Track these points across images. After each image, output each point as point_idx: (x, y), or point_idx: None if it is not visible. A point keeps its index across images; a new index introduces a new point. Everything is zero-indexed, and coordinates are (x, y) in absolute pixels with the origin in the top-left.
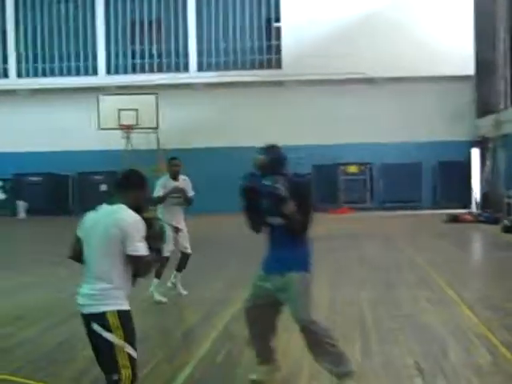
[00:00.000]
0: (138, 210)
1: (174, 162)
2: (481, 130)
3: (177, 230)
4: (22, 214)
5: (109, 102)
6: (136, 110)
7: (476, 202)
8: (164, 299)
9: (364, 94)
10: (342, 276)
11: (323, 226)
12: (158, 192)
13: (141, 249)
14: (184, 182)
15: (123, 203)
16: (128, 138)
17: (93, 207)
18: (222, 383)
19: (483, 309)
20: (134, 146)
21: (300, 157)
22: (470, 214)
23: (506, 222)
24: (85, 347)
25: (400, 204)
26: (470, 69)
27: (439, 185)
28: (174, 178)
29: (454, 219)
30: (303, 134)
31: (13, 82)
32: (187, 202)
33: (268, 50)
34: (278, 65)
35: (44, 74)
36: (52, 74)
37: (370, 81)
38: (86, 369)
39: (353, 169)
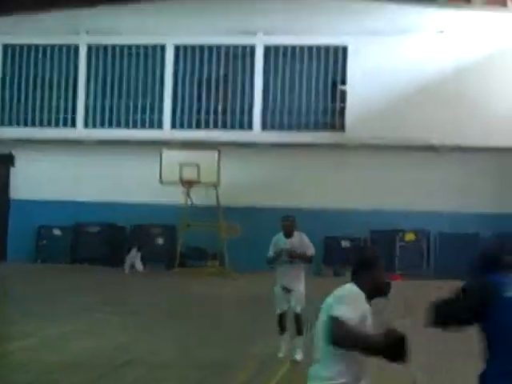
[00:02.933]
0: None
1: (285, 220)
2: None
3: (287, 290)
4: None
5: (172, 157)
6: (197, 165)
7: None
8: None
9: (425, 162)
10: None
11: None
12: (270, 252)
13: (343, 311)
14: (299, 239)
15: (356, 283)
16: (188, 193)
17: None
18: None
19: None
20: (194, 201)
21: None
22: None
23: None
24: None
25: (455, 274)
26: None
27: None
28: (288, 235)
29: None
30: (363, 198)
31: (80, 132)
32: (304, 260)
33: (332, 112)
34: (342, 127)
35: (110, 125)
36: (118, 125)
37: (432, 148)
38: None
39: (410, 236)
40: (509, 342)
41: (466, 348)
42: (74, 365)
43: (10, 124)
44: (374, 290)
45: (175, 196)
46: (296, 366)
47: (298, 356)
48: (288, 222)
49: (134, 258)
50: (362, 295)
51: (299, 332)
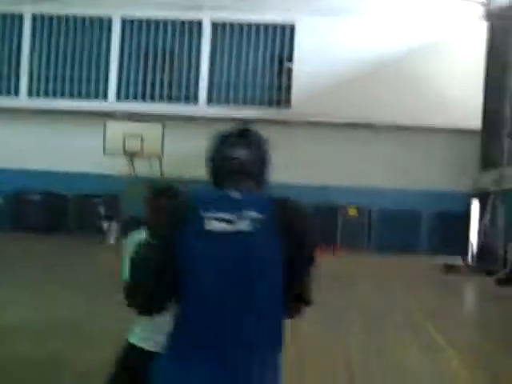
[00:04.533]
0: None
1: None
2: (482, 183)
3: None
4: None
5: (116, 128)
6: (141, 136)
7: (472, 253)
8: None
9: (368, 141)
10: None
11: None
12: None
13: None
14: None
15: None
16: (132, 164)
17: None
18: None
19: (470, 357)
20: (138, 171)
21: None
22: (465, 264)
23: (500, 274)
24: None
25: (396, 249)
26: (477, 122)
27: (437, 233)
28: None
29: (449, 269)
30: (306, 174)
31: (23, 101)
32: None
33: (278, 89)
34: (287, 104)
35: (54, 95)
36: (62, 95)
37: (374, 127)
38: None
39: (353, 211)
40: (195, 284)
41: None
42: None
43: None
44: None
45: (118, 167)
46: None
47: None
48: None
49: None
50: None
51: None
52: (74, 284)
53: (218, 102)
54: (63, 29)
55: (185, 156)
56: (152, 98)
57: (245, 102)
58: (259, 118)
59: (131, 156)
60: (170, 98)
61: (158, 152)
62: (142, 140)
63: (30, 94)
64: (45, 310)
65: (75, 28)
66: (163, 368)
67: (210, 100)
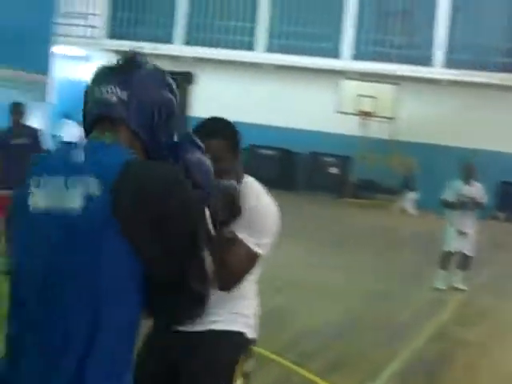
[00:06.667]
0: None
1: (468, 164)
2: None
3: (460, 232)
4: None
5: (350, 87)
6: (375, 97)
7: None
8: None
9: None
10: None
11: None
12: (446, 195)
13: None
14: (476, 188)
15: None
16: (364, 124)
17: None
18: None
19: None
20: (370, 133)
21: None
22: None
23: None
24: (296, 320)
25: None
26: None
27: None
28: (467, 181)
29: None
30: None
31: (259, 55)
32: (479, 208)
33: None
34: None
35: (290, 52)
36: (298, 52)
37: None
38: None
39: None
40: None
41: None
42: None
43: (192, 43)
44: None
45: (351, 127)
46: (462, 296)
47: (461, 285)
48: (471, 166)
49: (407, 200)
50: None
51: (464, 268)
52: None
53: (456, 65)
54: None
55: (418, 119)
56: (388, 58)
57: (485, 67)
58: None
59: (363, 116)
60: (405, 59)
61: (391, 114)
62: (375, 100)
63: (267, 49)
64: None
65: None
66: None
67: (447, 63)
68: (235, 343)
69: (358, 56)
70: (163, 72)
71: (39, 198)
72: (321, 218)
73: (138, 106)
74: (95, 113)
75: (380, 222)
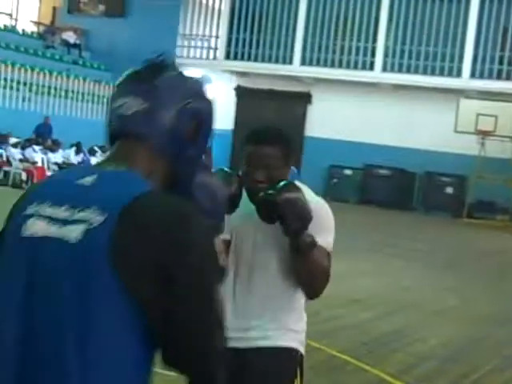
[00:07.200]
0: None
1: None
2: None
3: None
4: None
5: (469, 106)
6: (495, 116)
7: None
8: None
9: None
10: None
11: None
12: None
13: None
14: None
15: None
16: (483, 144)
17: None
18: None
19: None
20: (488, 153)
21: None
22: None
23: None
24: (413, 342)
25: None
26: None
27: None
28: None
29: None
30: None
31: (377, 75)
32: None
33: None
34: None
35: (408, 71)
36: (415, 71)
37: None
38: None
39: None
40: None
41: None
42: (354, 301)
43: (311, 64)
44: None
45: (468, 146)
46: None
47: None
48: None
49: None
50: None
51: None
52: None
53: None
54: (420, 2)
55: None
56: (507, 75)
57: None
58: None
59: (483, 136)
60: None
61: (511, 132)
62: (495, 119)
63: (384, 69)
64: None
65: (433, 1)
66: None
67: None
68: (293, 362)
69: (477, 74)
70: (191, 78)
71: (37, 225)
72: (437, 239)
73: (159, 119)
74: (112, 127)
75: (497, 243)
